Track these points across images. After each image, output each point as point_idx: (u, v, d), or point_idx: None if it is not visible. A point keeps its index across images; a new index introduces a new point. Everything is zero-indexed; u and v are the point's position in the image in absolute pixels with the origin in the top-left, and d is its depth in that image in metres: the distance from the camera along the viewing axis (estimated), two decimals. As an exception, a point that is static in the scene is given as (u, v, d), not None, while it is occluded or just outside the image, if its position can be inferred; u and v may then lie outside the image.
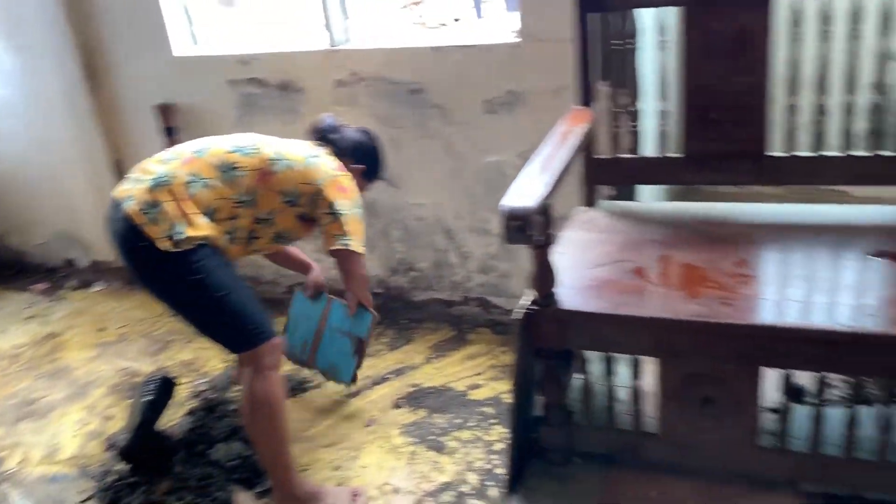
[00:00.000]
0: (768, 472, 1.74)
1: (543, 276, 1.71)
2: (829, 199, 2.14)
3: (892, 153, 1.86)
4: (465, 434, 2.19)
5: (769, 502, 1.72)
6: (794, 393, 1.79)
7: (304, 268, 2.40)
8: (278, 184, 1.91)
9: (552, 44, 2.21)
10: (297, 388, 2.48)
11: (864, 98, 1.86)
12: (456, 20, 3.11)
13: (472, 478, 2.01)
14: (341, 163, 2.05)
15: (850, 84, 1.87)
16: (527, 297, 1.74)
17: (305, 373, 2.50)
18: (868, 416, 1.63)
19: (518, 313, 1.72)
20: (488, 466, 2.04)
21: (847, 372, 1.58)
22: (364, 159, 2.15)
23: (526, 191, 1.62)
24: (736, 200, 2.18)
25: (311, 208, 1.96)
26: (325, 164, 1.99)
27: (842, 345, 1.51)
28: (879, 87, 1.85)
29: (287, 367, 2.57)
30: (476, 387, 2.40)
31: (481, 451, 2.11)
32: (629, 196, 2.35)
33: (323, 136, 2.12)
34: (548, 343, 1.76)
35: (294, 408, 2.37)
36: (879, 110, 1.86)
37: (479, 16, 3.29)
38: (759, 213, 2.05)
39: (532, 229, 1.57)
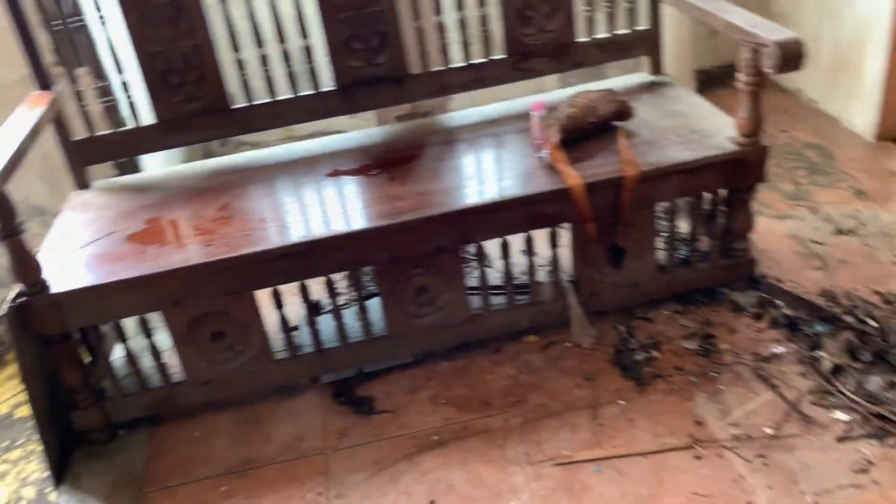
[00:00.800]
0: (292, 379, 1.99)
1: (23, 266, 1.68)
2: (327, 134, 2.39)
3: (331, 89, 2.18)
4: (16, 453, 2.06)
5: (300, 402, 1.97)
6: (312, 308, 2.04)
7: None
8: None
9: (-2, 33, 2.10)
10: None
11: (293, 45, 2.15)
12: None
13: (29, 492, 1.92)
14: None
15: (281, 35, 2.13)
16: (14, 290, 1.70)
17: None
18: (351, 310, 1.96)
19: (5, 309, 1.67)
20: (45, 475, 1.96)
21: (316, 273, 1.85)
22: None
23: (-31, 184, 1.57)
24: (261, 147, 2.32)
25: None
26: None
27: (303, 253, 1.78)
28: (304, 33, 2.15)
29: None
30: (22, 404, 2.26)
31: (35, 463, 2.01)
32: (135, 170, 2.38)
33: None
34: (49, 330, 1.74)
35: None
36: (309, 53, 2.16)
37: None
38: (245, 160, 2.24)
39: (-15, 221, 1.53)
